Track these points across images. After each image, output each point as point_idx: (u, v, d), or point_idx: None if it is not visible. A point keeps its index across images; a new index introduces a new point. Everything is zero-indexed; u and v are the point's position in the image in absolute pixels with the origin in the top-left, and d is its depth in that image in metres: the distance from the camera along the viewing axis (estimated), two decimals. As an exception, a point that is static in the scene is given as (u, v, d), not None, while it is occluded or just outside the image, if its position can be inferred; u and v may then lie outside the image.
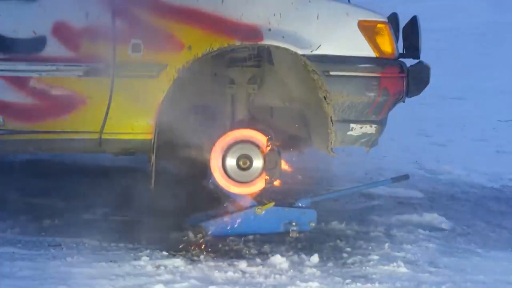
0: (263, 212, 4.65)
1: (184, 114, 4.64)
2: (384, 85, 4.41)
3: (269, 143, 4.52)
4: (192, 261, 4.32)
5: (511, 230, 5.36)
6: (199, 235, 4.62)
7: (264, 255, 4.42)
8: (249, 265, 4.29)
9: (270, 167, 4.50)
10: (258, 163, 4.47)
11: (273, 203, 4.68)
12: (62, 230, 4.61)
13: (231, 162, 4.49)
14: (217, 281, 4.09)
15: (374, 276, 4.29)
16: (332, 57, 4.37)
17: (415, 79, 4.54)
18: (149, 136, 4.33)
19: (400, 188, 5.99)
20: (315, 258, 4.42)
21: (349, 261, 4.47)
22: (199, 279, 4.09)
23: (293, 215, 4.70)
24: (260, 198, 4.73)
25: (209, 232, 4.63)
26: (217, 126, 4.66)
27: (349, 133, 4.45)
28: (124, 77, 4.27)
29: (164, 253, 4.38)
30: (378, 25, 4.41)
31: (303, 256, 4.45)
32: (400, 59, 4.55)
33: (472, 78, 10.21)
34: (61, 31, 4.21)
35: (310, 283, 4.11)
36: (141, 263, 4.23)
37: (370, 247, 4.69)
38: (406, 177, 5.07)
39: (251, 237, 4.64)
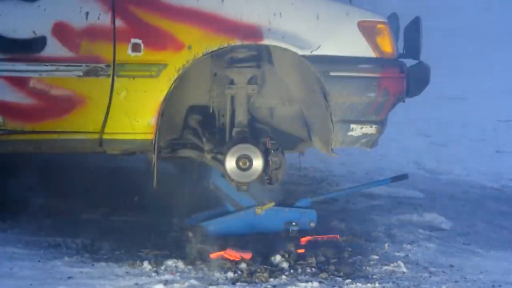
0: (263, 212, 4.66)
1: (184, 114, 4.65)
2: (384, 86, 4.41)
3: (270, 144, 4.52)
4: (192, 261, 4.32)
5: (511, 230, 5.37)
6: (199, 235, 4.63)
7: (264, 255, 4.42)
8: (249, 265, 4.29)
9: (274, 167, 4.50)
10: (257, 163, 4.45)
11: (273, 203, 4.69)
12: (62, 230, 4.61)
13: (230, 162, 4.48)
14: (217, 281, 4.09)
15: (374, 276, 4.29)
16: (332, 57, 4.36)
17: (415, 79, 4.54)
18: (150, 136, 4.33)
19: (400, 188, 6.00)
20: (315, 258, 4.42)
21: (349, 261, 4.47)
22: (199, 279, 4.09)
23: (293, 215, 4.71)
24: (260, 198, 4.74)
25: (209, 232, 4.64)
26: (216, 127, 4.66)
27: (349, 133, 4.45)
28: (124, 77, 4.27)
29: (164, 253, 4.38)
30: (378, 26, 4.41)
31: (303, 256, 4.45)
32: (400, 59, 4.55)
33: (472, 78, 10.22)
34: (61, 31, 4.21)
35: (310, 283, 4.12)
36: (141, 263, 4.23)
37: (370, 247, 4.70)
38: (405, 176, 5.08)
39: (251, 237, 4.64)
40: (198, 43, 4.29)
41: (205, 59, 4.38)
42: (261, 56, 4.54)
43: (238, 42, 4.32)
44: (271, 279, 4.17)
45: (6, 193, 5.20)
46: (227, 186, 4.65)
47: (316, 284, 4.12)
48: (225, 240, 4.53)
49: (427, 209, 5.59)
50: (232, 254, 4.35)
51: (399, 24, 4.87)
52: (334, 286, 4.13)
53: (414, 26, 4.68)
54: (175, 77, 4.29)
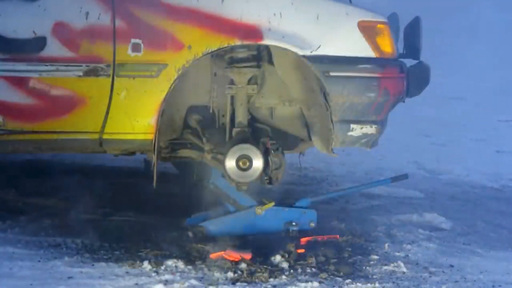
0: (263, 212, 4.66)
1: (184, 114, 4.65)
2: (384, 86, 4.41)
3: (270, 144, 4.52)
4: (192, 261, 4.32)
5: (511, 230, 5.37)
6: (199, 235, 4.63)
7: (264, 255, 4.42)
8: (249, 265, 4.29)
9: (274, 167, 4.50)
10: (257, 163, 4.45)
11: (273, 203, 4.68)
12: (62, 230, 4.61)
13: (230, 162, 4.47)
14: (217, 281, 4.09)
15: (374, 276, 4.29)
16: (332, 57, 4.36)
17: (415, 79, 4.54)
18: (150, 136, 4.33)
19: (400, 188, 6.00)
20: (315, 258, 4.42)
21: (349, 261, 4.48)
22: (199, 279, 4.09)
23: (293, 215, 4.71)
24: (260, 198, 4.74)
25: (209, 232, 4.64)
26: (216, 127, 4.66)
27: (349, 133, 4.45)
28: (124, 77, 4.27)
29: (164, 253, 4.38)
30: (378, 26, 4.41)
31: (303, 256, 4.45)
32: (400, 59, 4.55)
33: (472, 78, 10.23)
34: (61, 31, 4.21)
35: (310, 283, 4.12)
36: (141, 263, 4.23)
37: (370, 247, 4.70)
38: (405, 176, 5.08)
39: (251, 237, 4.64)
40: (198, 43, 4.29)
41: (205, 59, 4.38)
42: (261, 56, 4.54)
43: (238, 42, 4.32)
44: (271, 279, 4.17)
45: (6, 193, 5.20)
46: (227, 186, 4.65)
47: (316, 284, 4.12)
48: (225, 240, 4.53)
49: (427, 209, 5.59)
50: (232, 254, 4.35)
51: (399, 24, 4.86)
52: (334, 286, 4.13)
53: (414, 26, 4.67)
54: (175, 77, 4.28)
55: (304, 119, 4.70)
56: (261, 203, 4.69)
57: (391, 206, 5.67)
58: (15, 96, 4.25)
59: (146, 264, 4.22)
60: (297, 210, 4.74)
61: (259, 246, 4.52)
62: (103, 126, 4.32)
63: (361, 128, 4.45)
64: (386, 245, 4.73)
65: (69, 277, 4.00)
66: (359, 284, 4.16)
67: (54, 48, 4.22)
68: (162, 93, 4.29)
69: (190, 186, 5.06)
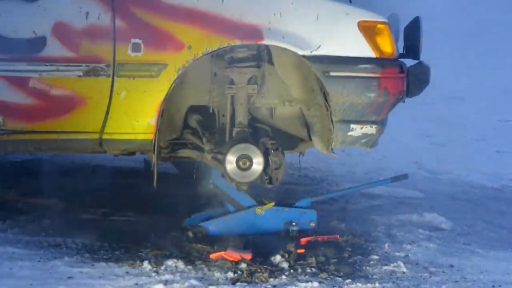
0: (263, 212, 4.66)
1: (184, 114, 4.65)
2: (384, 86, 4.41)
3: (270, 144, 4.52)
4: (192, 261, 4.32)
5: (511, 230, 5.37)
6: (199, 235, 4.63)
7: (264, 255, 4.42)
8: (249, 265, 4.29)
9: (274, 167, 4.50)
10: (258, 163, 4.45)
11: (273, 203, 4.69)
12: (62, 230, 4.61)
13: (230, 162, 4.47)
14: (217, 281, 4.09)
15: (374, 276, 4.29)
16: (332, 57, 4.36)
17: (415, 79, 4.54)
18: (150, 136, 4.33)
19: (400, 188, 6.00)
20: (315, 258, 4.42)
21: (349, 261, 4.47)
22: (199, 279, 4.09)
23: (293, 215, 4.71)
24: (260, 198, 4.74)
25: (209, 232, 4.64)
26: (216, 127, 4.66)
27: (349, 133, 4.45)
28: (124, 77, 4.27)
29: (164, 253, 4.38)
30: (378, 26, 4.41)
31: (303, 256, 4.45)
32: (400, 59, 4.55)
33: (472, 78, 10.23)
34: (61, 31, 4.21)
35: (310, 283, 4.12)
36: (141, 263, 4.23)
37: (370, 247, 4.70)
38: (405, 176, 5.08)
39: (251, 237, 4.64)
40: (198, 43, 4.29)
41: (205, 59, 4.38)
42: (261, 56, 4.54)
43: (238, 42, 4.32)
44: (271, 279, 4.16)
45: (6, 193, 5.20)
46: (227, 186, 4.65)
47: (316, 284, 4.12)
48: (225, 240, 4.53)
49: (427, 209, 5.59)
50: (232, 254, 4.35)
51: (399, 24, 4.86)
52: (334, 286, 4.13)
53: (414, 26, 4.67)
54: (175, 77, 4.29)
55: (304, 119, 4.70)
56: (261, 203, 4.69)
57: (391, 206, 5.67)
58: (15, 96, 4.25)
59: (146, 264, 4.22)
60: (297, 210, 4.74)
61: (259, 246, 4.52)
62: (103, 126, 4.32)
63: (361, 128, 4.45)
64: (386, 245, 4.73)
65: (69, 277, 4.00)
66: (359, 284, 4.15)
67: (54, 48, 4.22)
68: (162, 93, 4.29)
69: (190, 186, 5.05)
